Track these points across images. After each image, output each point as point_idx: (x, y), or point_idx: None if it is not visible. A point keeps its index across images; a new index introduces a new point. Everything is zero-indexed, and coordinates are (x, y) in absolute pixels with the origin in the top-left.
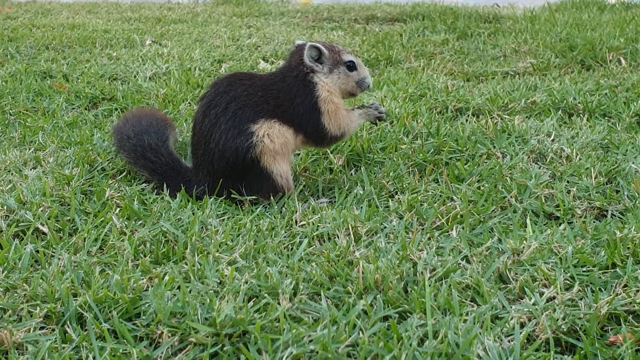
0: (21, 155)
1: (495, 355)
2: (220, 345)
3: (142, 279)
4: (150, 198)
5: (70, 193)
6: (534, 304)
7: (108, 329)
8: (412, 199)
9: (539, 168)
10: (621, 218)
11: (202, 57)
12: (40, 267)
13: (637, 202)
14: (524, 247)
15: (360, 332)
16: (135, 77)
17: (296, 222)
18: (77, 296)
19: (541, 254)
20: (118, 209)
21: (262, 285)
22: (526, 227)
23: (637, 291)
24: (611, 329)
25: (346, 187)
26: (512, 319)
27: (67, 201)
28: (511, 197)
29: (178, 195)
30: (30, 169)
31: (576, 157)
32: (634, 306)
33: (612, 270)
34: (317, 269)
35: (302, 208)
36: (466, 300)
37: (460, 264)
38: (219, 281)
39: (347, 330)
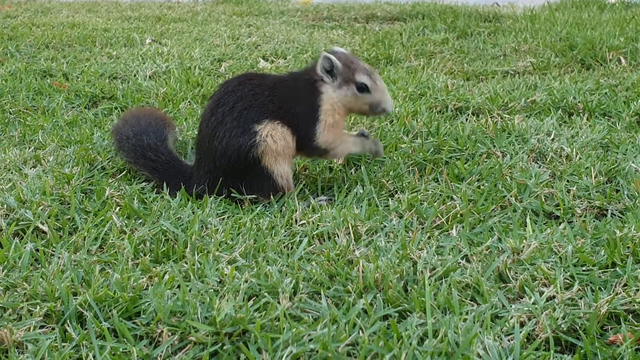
0: (21, 154)
1: (495, 355)
2: (220, 344)
3: (142, 278)
4: (150, 197)
5: (70, 192)
6: (533, 303)
7: (108, 328)
8: (412, 198)
9: (539, 167)
10: (621, 217)
11: (202, 56)
12: (40, 265)
13: (637, 201)
14: (523, 246)
15: (360, 331)
16: (135, 76)
17: (296, 221)
18: (77, 295)
19: (541, 253)
20: (118, 207)
21: (262, 284)
22: (526, 226)
23: (637, 290)
24: (611, 328)
25: (346, 186)
26: (512, 318)
27: (67, 200)
28: (511, 196)
29: (178, 194)
30: (30, 168)
31: (576, 156)
32: (634, 305)
33: (612, 270)
34: (317, 268)
35: (302, 207)
36: (466, 299)
37: (460, 263)
38: (218, 280)
39: (347, 329)
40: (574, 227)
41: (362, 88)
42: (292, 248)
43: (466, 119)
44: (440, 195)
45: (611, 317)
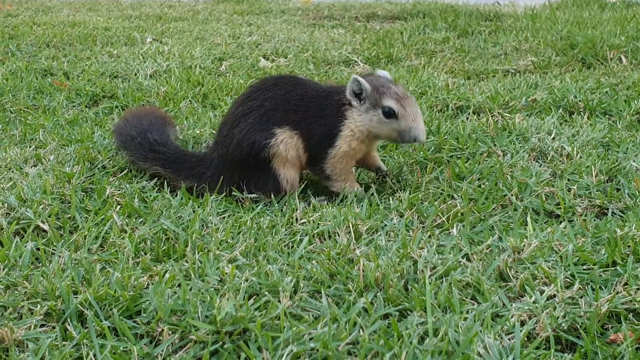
0: (22, 153)
1: (496, 353)
2: (221, 343)
3: (143, 277)
4: (150, 196)
5: (70, 191)
6: (534, 302)
7: (108, 327)
8: (413, 197)
9: (540, 166)
10: (622, 216)
11: (202, 55)
12: (40, 264)
13: (637, 200)
14: (524, 245)
15: (361, 330)
16: (135, 74)
17: (297, 219)
18: (78, 294)
19: (541, 252)
20: (119, 206)
21: (262, 283)
22: (527, 225)
23: (638, 289)
24: (611, 327)
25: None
26: (512, 317)
27: (67, 199)
28: (512, 195)
29: (178, 192)
30: (31, 167)
31: (577, 155)
32: (635, 304)
33: (613, 269)
34: (317, 267)
35: (303, 206)
36: (466, 298)
37: (460, 262)
38: (219, 279)
39: (347, 328)
40: (575, 226)
41: (389, 114)
42: (292, 247)
43: (467, 118)
44: (441, 194)
45: (612, 316)
